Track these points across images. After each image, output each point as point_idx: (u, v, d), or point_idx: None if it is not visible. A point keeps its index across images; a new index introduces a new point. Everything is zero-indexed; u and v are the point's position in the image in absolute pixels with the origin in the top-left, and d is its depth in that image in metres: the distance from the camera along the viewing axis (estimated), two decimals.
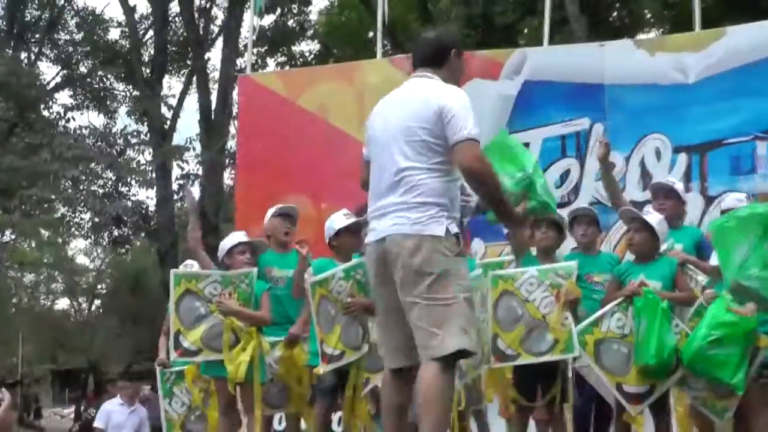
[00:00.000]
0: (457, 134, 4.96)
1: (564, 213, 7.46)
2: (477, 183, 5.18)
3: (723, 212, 6.65)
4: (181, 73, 30.47)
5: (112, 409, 12.28)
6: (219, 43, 28.00)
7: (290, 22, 30.29)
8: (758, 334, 5.82)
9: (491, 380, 6.95)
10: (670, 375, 6.14)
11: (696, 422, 6.91)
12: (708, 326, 5.74)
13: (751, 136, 10.37)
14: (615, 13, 23.21)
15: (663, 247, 6.65)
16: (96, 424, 13.16)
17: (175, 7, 28.02)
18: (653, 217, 6.46)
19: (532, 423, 6.91)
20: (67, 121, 28.74)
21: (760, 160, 10.29)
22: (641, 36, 19.61)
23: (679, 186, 7.47)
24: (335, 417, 8.50)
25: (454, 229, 5.01)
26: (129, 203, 26.47)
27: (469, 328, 4.97)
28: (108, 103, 30.68)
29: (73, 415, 34.39)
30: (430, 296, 4.87)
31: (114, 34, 30.90)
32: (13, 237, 26.93)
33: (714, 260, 6.42)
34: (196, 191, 7.46)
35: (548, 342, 6.43)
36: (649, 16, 24.08)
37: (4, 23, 28.80)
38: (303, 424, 7.68)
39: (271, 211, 7.80)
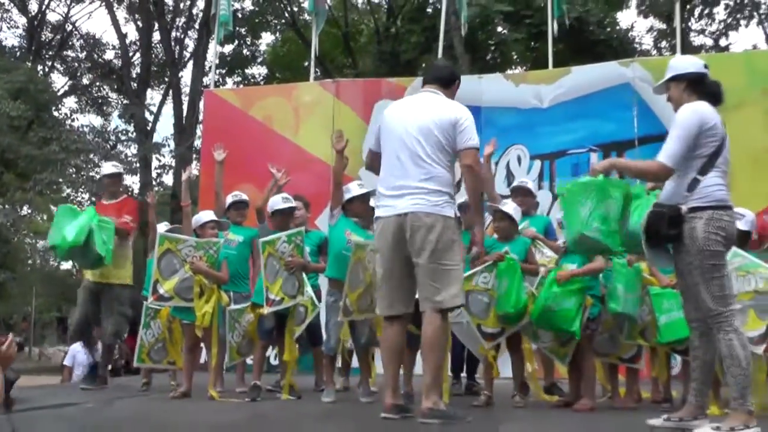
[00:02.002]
0: (466, 142, 5.12)
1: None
2: (472, 179, 5.27)
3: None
4: (161, 86, 30.12)
5: (77, 350, 11.90)
6: (190, 64, 27.73)
7: (245, 51, 30.17)
8: (586, 294, 5.90)
9: None
10: (519, 322, 6.21)
11: (540, 358, 7.06)
12: (548, 290, 5.79)
13: (587, 149, 10.56)
14: (490, 54, 23.31)
15: (521, 226, 6.69)
16: (65, 362, 12.92)
17: (156, 36, 27.78)
18: (509, 206, 6.51)
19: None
20: (73, 120, 28.68)
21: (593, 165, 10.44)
22: (509, 71, 19.69)
23: (532, 185, 7.55)
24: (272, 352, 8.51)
25: (457, 213, 5.15)
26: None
27: (462, 287, 5.15)
28: (104, 108, 30.49)
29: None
30: (441, 261, 4.97)
31: (109, 54, 30.60)
32: (29, 211, 26.42)
33: (560, 241, 6.54)
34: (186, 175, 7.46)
35: None
36: (515, 56, 24.26)
37: (25, 42, 28.35)
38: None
39: (228, 198, 7.86)
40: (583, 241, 5.05)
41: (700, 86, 4.79)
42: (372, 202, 7.26)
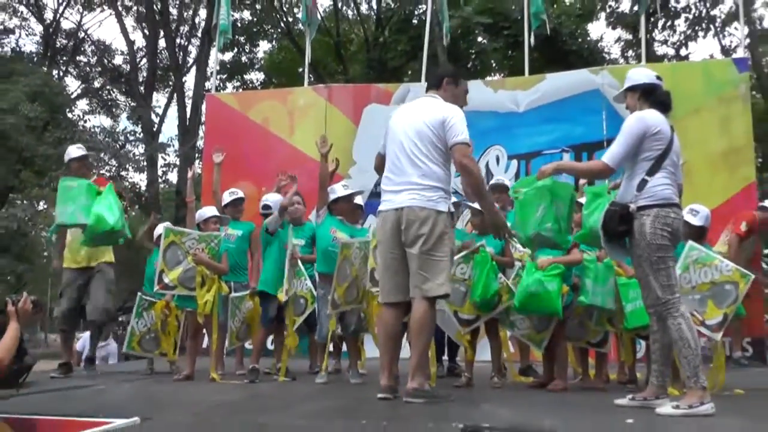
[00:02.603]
0: (455, 138, 5.04)
1: None
2: (466, 174, 5.22)
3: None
4: (166, 90, 30.06)
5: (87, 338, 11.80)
6: (193, 70, 27.64)
7: (243, 58, 30.13)
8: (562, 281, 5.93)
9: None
10: (492, 310, 6.23)
11: (517, 343, 7.17)
12: (531, 276, 5.79)
13: (560, 149, 10.57)
14: (471, 62, 23.30)
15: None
16: (77, 347, 12.79)
17: (162, 43, 27.73)
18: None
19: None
20: (85, 122, 28.70)
21: None
22: (488, 78, 19.70)
23: (509, 183, 7.55)
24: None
25: (451, 208, 5.15)
26: (127, 183, 26.05)
27: (449, 278, 5.10)
28: (113, 110, 30.44)
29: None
30: (431, 252, 4.95)
31: (119, 60, 30.52)
32: (45, 206, 26.33)
33: None
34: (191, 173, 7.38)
35: None
36: (494, 64, 24.26)
37: (41, 48, 28.22)
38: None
39: (225, 195, 7.83)
40: (538, 239, 5.14)
41: (652, 95, 4.93)
42: (359, 200, 7.31)
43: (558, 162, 5.09)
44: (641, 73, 5.08)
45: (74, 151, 8.02)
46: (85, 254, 7.63)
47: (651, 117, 4.76)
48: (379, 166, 5.54)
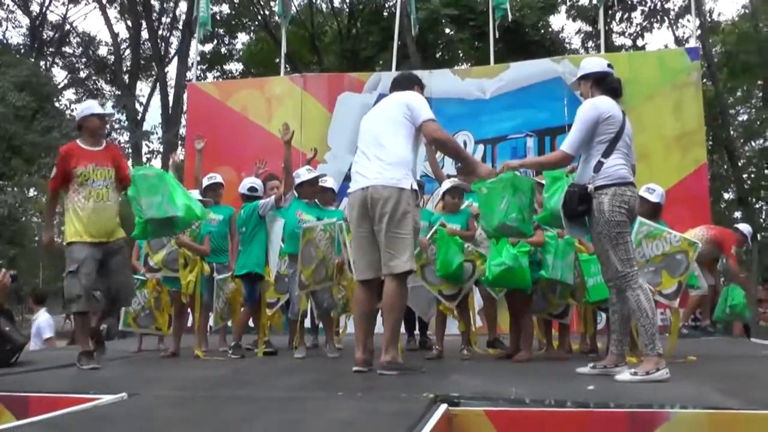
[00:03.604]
0: (422, 117, 5.08)
1: None
2: (442, 146, 5.49)
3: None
4: (149, 80, 29.81)
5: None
6: (175, 61, 27.37)
7: (223, 50, 29.95)
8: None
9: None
10: (465, 282, 6.25)
11: (484, 316, 7.22)
12: (506, 252, 5.79)
13: (524, 134, 10.63)
14: (439, 52, 23.29)
15: (465, 203, 6.71)
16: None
17: (144, 34, 27.44)
18: (445, 184, 6.56)
19: None
20: (72, 110, 28.08)
21: (529, 149, 10.55)
22: (456, 67, 19.66)
23: None
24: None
25: (415, 186, 5.08)
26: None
27: (413, 254, 5.09)
28: (99, 99, 29.99)
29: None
30: (394, 230, 4.93)
31: (103, 51, 30.25)
32: (35, 193, 26.02)
33: None
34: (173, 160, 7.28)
35: None
36: (461, 54, 24.24)
37: (28, 40, 27.84)
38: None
39: (204, 180, 7.58)
40: (503, 229, 5.17)
41: (603, 83, 4.95)
42: (330, 183, 7.25)
43: (521, 160, 5.15)
44: (593, 62, 5.10)
45: (96, 106, 6.50)
46: (104, 228, 6.14)
47: (602, 103, 4.79)
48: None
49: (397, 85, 5.51)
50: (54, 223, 6.79)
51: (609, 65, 5.04)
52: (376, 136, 5.13)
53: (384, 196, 4.94)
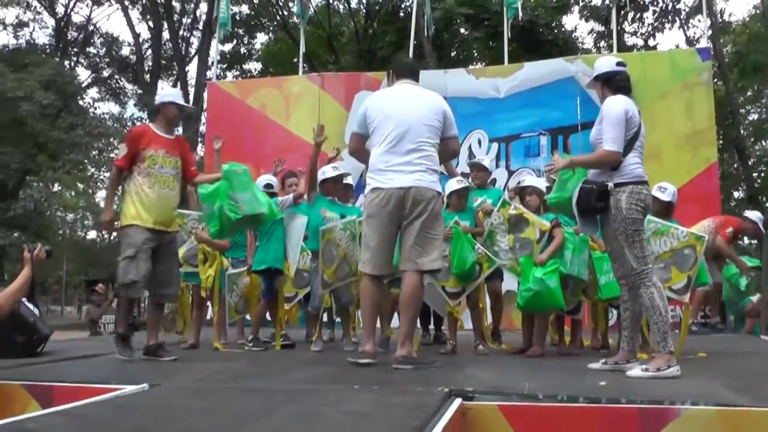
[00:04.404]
0: (453, 131, 5.28)
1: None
2: (453, 157, 5.93)
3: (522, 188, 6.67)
4: (170, 79, 29.88)
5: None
6: (195, 60, 27.45)
7: (242, 49, 29.99)
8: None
9: None
10: (473, 281, 6.24)
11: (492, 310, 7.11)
12: (532, 276, 5.75)
13: (537, 132, 10.58)
14: (455, 52, 23.23)
15: (479, 200, 6.70)
16: None
17: (165, 35, 27.51)
18: (451, 184, 6.54)
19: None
20: (95, 108, 28.41)
21: (542, 148, 10.50)
22: (471, 66, 19.61)
23: (487, 162, 7.52)
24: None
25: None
26: None
27: (441, 255, 5.19)
28: (121, 97, 30.28)
29: None
30: (428, 230, 5.01)
31: (126, 50, 30.38)
32: (59, 188, 26.20)
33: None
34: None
35: None
36: (476, 53, 24.17)
37: (54, 40, 28.00)
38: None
39: None
40: (566, 206, 5.11)
41: (612, 83, 4.90)
42: (349, 180, 7.26)
43: (570, 158, 5.02)
44: (604, 63, 5.05)
45: (179, 96, 6.22)
46: (166, 216, 5.86)
47: (626, 101, 4.72)
48: (358, 148, 5.47)
49: (413, 73, 5.51)
50: (114, 204, 6.31)
51: (619, 63, 4.99)
52: (415, 136, 5.08)
53: (427, 198, 4.98)
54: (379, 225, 5.07)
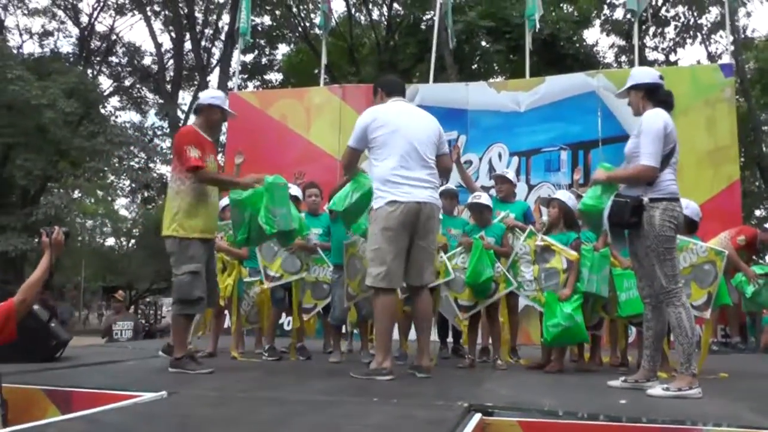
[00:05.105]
0: (445, 147, 5.53)
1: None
2: (448, 174, 5.88)
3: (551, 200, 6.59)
4: (191, 89, 30.05)
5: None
6: (217, 70, 27.62)
7: (263, 60, 30.15)
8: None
9: None
10: (487, 297, 6.22)
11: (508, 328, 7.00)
12: (560, 312, 5.70)
13: (558, 147, 10.51)
14: (476, 64, 23.24)
15: (501, 214, 6.68)
16: None
17: (187, 45, 27.70)
18: (483, 198, 6.52)
19: None
20: (116, 117, 28.59)
21: (563, 162, 10.45)
22: (492, 80, 19.61)
23: (511, 174, 7.48)
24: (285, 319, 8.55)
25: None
26: (155, 175, 26.16)
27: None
28: (142, 106, 30.51)
29: None
30: (432, 246, 5.33)
31: (147, 60, 30.58)
32: (79, 195, 26.35)
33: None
34: None
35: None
36: (497, 67, 24.16)
37: (77, 49, 28.28)
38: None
39: None
40: (598, 217, 4.98)
41: (655, 95, 4.79)
42: None
43: (609, 174, 4.89)
44: (645, 73, 4.94)
45: (224, 101, 6.02)
46: (214, 225, 5.79)
47: (665, 116, 4.64)
48: (353, 162, 5.53)
49: (402, 92, 5.64)
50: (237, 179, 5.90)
51: (660, 77, 4.87)
52: (423, 152, 5.22)
53: (434, 215, 5.24)
54: (396, 238, 5.08)
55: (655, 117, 4.62)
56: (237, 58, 16.81)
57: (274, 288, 6.82)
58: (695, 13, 25.20)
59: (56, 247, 4.55)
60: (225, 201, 7.28)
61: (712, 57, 24.99)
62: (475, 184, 7.35)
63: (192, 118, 5.89)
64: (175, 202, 5.48)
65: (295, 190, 7.24)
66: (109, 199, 34.88)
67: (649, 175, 4.57)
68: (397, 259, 5.09)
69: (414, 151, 5.16)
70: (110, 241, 41.21)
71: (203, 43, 28.53)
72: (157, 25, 28.96)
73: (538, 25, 12.55)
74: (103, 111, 26.42)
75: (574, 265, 5.83)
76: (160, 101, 28.57)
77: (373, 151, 5.28)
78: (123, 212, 39.28)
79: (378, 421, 3.19)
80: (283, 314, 8.11)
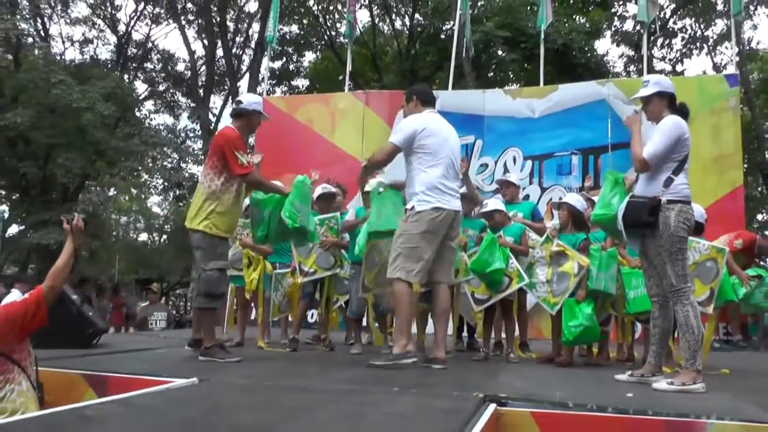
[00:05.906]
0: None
1: None
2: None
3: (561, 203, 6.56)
4: (222, 93, 30.14)
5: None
6: (246, 76, 27.66)
7: (291, 67, 30.17)
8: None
9: None
10: (500, 291, 6.19)
11: (518, 322, 6.94)
12: (581, 313, 5.69)
13: (570, 152, 10.47)
14: (492, 72, 23.16)
15: (510, 214, 6.69)
16: None
17: (219, 52, 27.82)
18: (492, 203, 6.52)
19: None
20: (151, 120, 28.71)
21: (574, 167, 10.41)
22: (507, 87, 19.56)
23: (514, 177, 7.53)
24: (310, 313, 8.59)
25: None
26: (186, 174, 26.27)
27: None
28: (175, 110, 30.59)
29: None
30: (455, 245, 5.56)
31: (181, 66, 30.66)
32: (115, 192, 26.58)
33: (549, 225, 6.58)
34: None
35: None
36: (512, 75, 24.08)
37: (115, 56, 28.47)
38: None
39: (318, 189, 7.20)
40: (611, 223, 4.97)
41: (674, 103, 4.77)
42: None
43: (635, 129, 4.80)
44: (669, 82, 4.88)
45: (262, 105, 5.95)
46: (234, 223, 5.79)
47: (684, 124, 4.62)
48: (390, 160, 5.44)
49: (432, 103, 5.65)
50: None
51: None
52: (457, 165, 5.45)
53: (460, 221, 5.51)
54: (434, 240, 5.24)
55: (678, 123, 4.60)
56: (266, 64, 16.84)
57: (304, 282, 6.88)
58: (702, 26, 25.02)
59: (77, 233, 4.60)
60: (248, 200, 7.34)
61: (717, 67, 24.79)
62: (479, 195, 7.39)
63: (230, 121, 5.80)
64: (209, 200, 5.48)
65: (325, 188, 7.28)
66: (143, 196, 35.14)
67: (640, 165, 4.59)
68: (431, 259, 5.23)
69: (453, 162, 5.35)
70: (143, 237, 41.55)
71: (234, 50, 28.58)
72: (191, 33, 29.11)
73: (543, 33, 12.43)
74: (138, 114, 26.59)
75: (585, 270, 5.82)
76: (192, 105, 28.68)
77: (419, 156, 5.28)
78: (155, 209, 39.60)
79: (398, 410, 3.20)
80: None
